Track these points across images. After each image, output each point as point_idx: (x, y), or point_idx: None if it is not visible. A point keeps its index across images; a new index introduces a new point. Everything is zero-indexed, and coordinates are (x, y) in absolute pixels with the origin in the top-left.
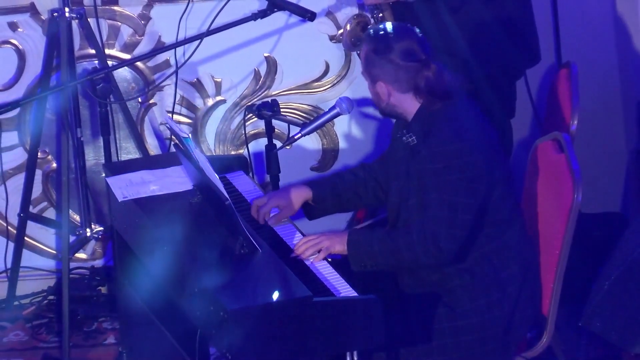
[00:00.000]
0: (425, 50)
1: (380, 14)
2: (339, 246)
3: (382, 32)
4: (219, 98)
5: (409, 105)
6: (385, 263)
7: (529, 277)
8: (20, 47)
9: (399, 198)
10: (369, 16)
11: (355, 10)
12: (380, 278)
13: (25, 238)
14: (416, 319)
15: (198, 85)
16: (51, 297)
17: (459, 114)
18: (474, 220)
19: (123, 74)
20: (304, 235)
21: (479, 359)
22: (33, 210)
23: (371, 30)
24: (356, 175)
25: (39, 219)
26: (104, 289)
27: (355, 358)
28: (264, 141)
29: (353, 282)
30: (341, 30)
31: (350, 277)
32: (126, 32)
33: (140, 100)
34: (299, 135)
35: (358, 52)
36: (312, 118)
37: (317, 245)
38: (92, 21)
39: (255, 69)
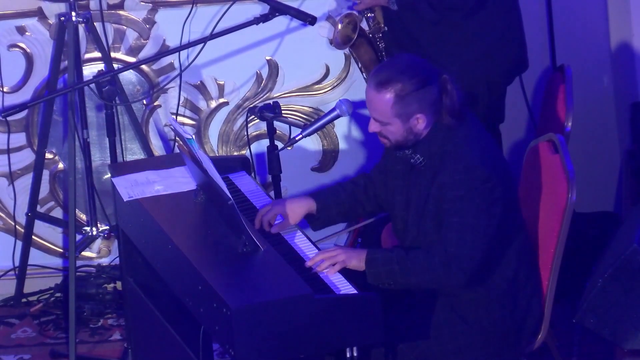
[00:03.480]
0: (436, 68)
1: (371, 14)
2: (355, 261)
3: (395, 71)
4: (222, 100)
5: (428, 126)
6: (404, 283)
7: (535, 282)
8: (28, 50)
9: (404, 211)
10: (361, 16)
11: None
12: None
13: (33, 237)
14: (418, 314)
15: (201, 88)
16: (58, 295)
17: (473, 135)
18: (490, 242)
19: (128, 77)
20: (305, 235)
21: (482, 356)
22: (40, 209)
23: (381, 75)
24: (357, 184)
25: (46, 218)
26: (109, 287)
27: (355, 353)
28: (265, 142)
29: (355, 279)
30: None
31: (350, 274)
32: (131, 35)
33: (145, 102)
34: (300, 136)
35: (350, 50)
36: (312, 120)
37: (333, 259)
38: (98, 25)
39: (257, 72)
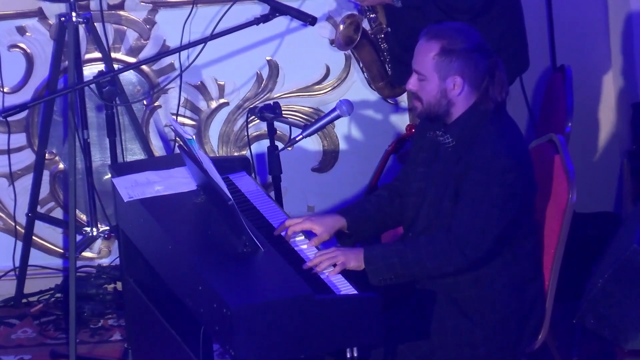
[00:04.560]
0: (491, 50)
1: (373, 15)
2: (354, 262)
3: (451, 28)
4: (222, 101)
5: (466, 103)
6: (406, 274)
7: (539, 282)
8: (29, 51)
9: (420, 198)
10: (363, 17)
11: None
12: None
13: (33, 237)
14: (418, 314)
15: (202, 88)
16: (58, 295)
17: (508, 127)
18: (500, 235)
19: (129, 77)
20: (304, 234)
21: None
22: (41, 210)
23: (436, 27)
24: (380, 196)
25: (47, 218)
26: (109, 287)
27: (355, 354)
28: (266, 142)
29: (355, 279)
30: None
31: (351, 274)
32: (132, 36)
33: (145, 102)
34: (300, 136)
35: (352, 51)
36: (313, 120)
37: (333, 260)
38: (98, 25)
39: (257, 72)
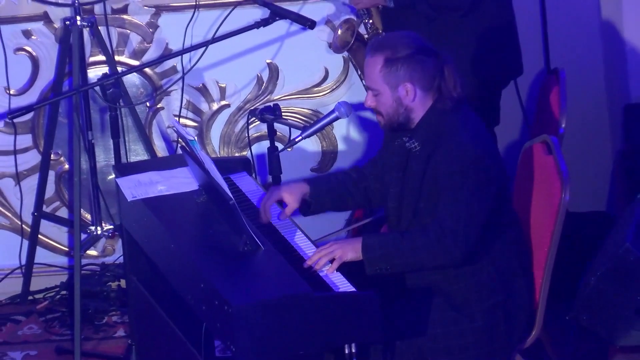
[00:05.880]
0: (436, 50)
1: (370, 20)
2: (352, 253)
3: (391, 38)
4: (223, 102)
5: (423, 106)
6: (401, 264)
7: (527, 277)
8: (34, 54)
9: (397, 202)
10: (359, 21)
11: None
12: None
13: (39, 236)
14: (416, 312)
15: (203, 90)
16: (64, 292)
17: (469, 120)
18: (485, 223)
19: (132, 80)
20: (304, 233)
21: (480, 356)
22: (46, 209)
23: (377, 40)
24: (350, 175)
25: (52, 217)
26: (113, 285)
27: (354, 350)
28: (266, 143)
29: (355, 276)
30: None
31: (351, 274)
32: (135, 39)
33: (148, 104)
34: (300, 138)
35: (349, 56)
36: (312, 122)
37: (330, 255)
38: (102, 29)
39: (258, 75)
